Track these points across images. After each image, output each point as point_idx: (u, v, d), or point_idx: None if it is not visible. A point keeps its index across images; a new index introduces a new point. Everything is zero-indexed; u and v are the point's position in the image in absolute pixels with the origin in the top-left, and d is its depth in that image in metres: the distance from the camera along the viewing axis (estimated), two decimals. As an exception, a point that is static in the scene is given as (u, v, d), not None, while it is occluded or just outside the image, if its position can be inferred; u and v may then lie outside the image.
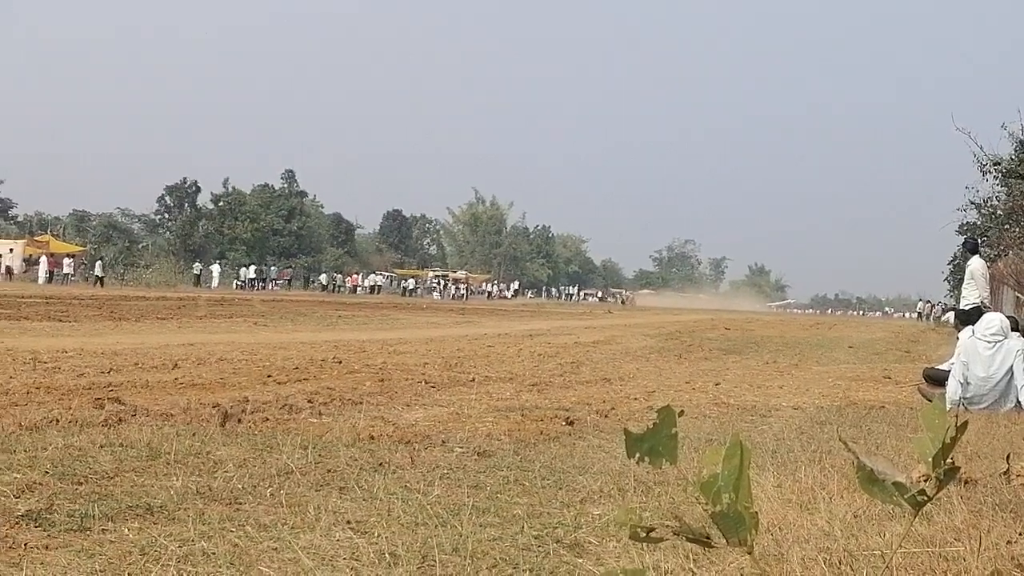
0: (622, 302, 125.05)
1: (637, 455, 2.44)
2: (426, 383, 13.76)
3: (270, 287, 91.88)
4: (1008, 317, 13.85)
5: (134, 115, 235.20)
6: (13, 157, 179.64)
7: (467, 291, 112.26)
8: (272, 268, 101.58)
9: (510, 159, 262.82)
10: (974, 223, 44.18)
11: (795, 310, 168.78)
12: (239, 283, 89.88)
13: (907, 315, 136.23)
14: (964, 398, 12.77)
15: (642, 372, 17.75)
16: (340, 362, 16.53)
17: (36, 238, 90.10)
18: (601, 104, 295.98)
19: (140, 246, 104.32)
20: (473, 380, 14.49)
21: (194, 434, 8.02)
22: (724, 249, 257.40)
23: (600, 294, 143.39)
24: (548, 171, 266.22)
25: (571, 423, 9.89)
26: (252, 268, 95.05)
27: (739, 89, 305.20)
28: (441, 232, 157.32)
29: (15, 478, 5.99)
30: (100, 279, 72.19)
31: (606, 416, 10.80)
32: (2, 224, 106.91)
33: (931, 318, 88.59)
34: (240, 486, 6.09)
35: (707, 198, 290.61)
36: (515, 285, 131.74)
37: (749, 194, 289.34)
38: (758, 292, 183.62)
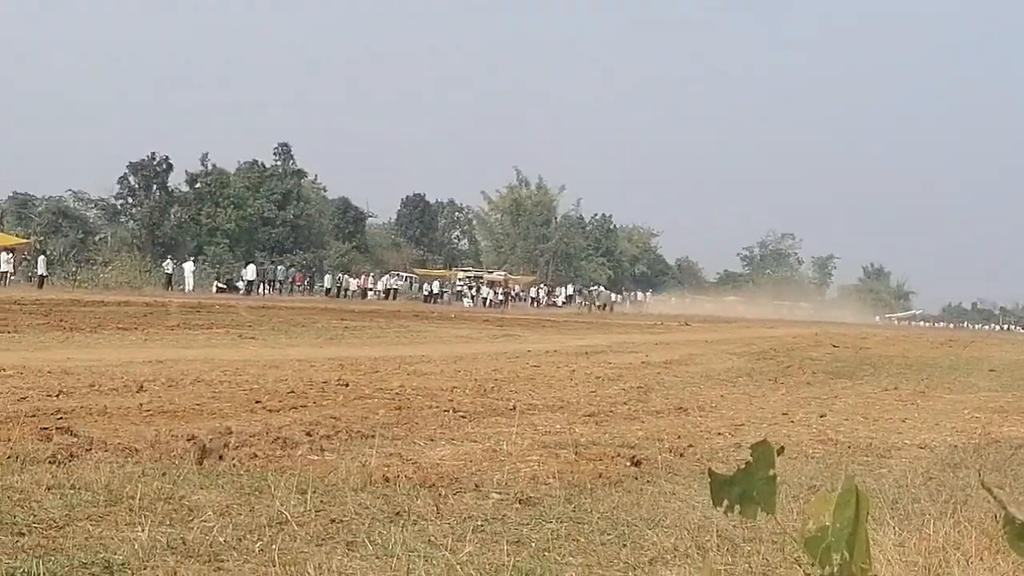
0: (597, 307, 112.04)
1: (725, 503, 2.43)
2: (454, 412, 13.76)
3: (268, 292, 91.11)
4: None
5: (88, 74, 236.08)
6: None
7: (506, 296, 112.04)
8: (279, 268, 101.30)
9: (561, 131, 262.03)
10: None
11: (922, 323, 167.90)
12: (219, 286, 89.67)
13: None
14: None
15: (727, 400, 17.69)
16: (347, 385, 16.55)
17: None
18: (675, 65, 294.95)
19: (97, 238, 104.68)
20: (514, 409, 14.46)
21: (164, 474, 8.05)
22: (832, 246, 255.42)
23: (569, 293, 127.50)
24: (608, 147, 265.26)
25: (637, 463, 9.87)
26: (251, 268, 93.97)
27: (861, 58, 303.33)
28: (474, 222, 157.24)
29: (-61, 528, 6.03)
30: (43, 279, 72.22)
31: (682, 455, 10.78)
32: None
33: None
34: (222, 539, 6.12)
35: (811, 182, 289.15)
36: (568, 289, 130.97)
37: (864, 178, 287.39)
38: (875, 300, 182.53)
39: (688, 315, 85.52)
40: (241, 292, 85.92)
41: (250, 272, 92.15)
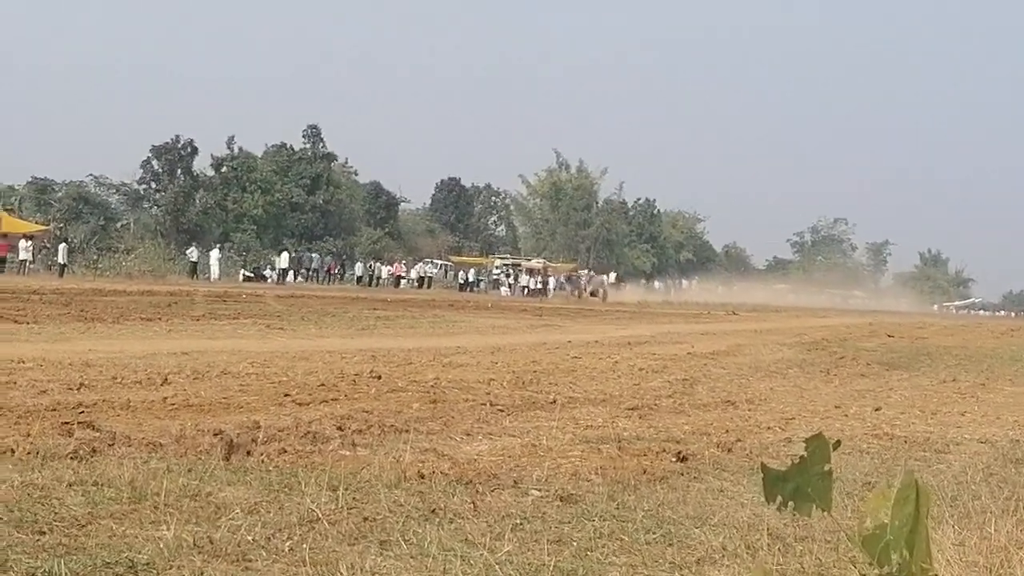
0: (589, 293, 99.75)
1: (778, 499, 2.42)
2: (492, 405, 13.76)
3: (303, 281, 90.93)
4: None
5: (109, 53, 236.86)
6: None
7: (545, 285, 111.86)
8: (313, 256, 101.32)
9: (603, 112, 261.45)
10: None
11: (981, 312, 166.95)
12: (246, 274, 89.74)
13: None
14: None
15: (777, 393, 17.65)
16: (379, 377, 16.58)
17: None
18: (722, 43, 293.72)
19: (119, 225, 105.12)
20: (554, 402, 14.47)
21: (190, 470, 8.08)
22: (887, 231, 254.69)
23: (533, 274, 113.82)
24: (652, 129, 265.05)
25: (683, 459, 9.86)
26: (284, 255, 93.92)
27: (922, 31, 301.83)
28: (512, 208, 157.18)
29: (-42, 526, 6.06)
30: (63, 267, 72.51)
31: (730, 450, 10.75)
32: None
33: None
34: (250, 538, 6.13)
35: (866, 164, 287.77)
36: (610, 277, 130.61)
37: (921, 160, 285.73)
38: (932, 288, 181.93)
39: (735, 304, 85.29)
40: (274, 281, 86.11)
41: (283, 260, 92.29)
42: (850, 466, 9.71)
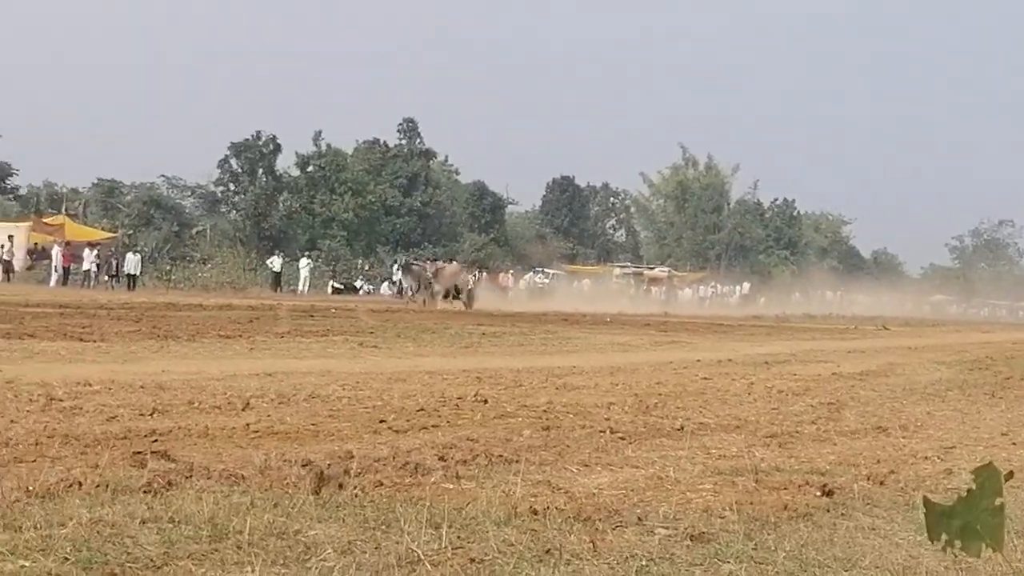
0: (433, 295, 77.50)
1: (944, 537, 2.41)
2: (612, 432, 13.74)
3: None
4: None
5: (181, 43, 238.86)
6: (14, 105, 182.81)
7: (669, 296, 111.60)
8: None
9: (733, 102, 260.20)
10: None
11: None
12: (335, 286, 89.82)
13: None
14: None
15: (935, 418, 17.50)
16: (485, 401, 16.60)
17: (46, 220, 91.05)
18: (864, 32, 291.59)
19: (194, 231, 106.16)
20: (681, 429, 14.45)
21: (276, 505, 8.14)
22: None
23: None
24: (789, 121, 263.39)
25: (829, 493, 9.81)
26: (397, 265, 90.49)
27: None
28: (632, 210, 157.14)
29: (22, 567, 6.14)
30: (133, 279, 73.20)
31: (882, 483, 10.68)
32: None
33: None
34: (344, 581, 6.17)
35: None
36: (743, 287, 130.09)
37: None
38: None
39: (886, 317, 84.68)
40: (392, 294, 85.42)
41: (397, 271, 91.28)
42: (1021, 501, 9.62)
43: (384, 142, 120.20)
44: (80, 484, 8.58)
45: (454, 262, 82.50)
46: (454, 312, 54.35)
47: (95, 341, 25.47)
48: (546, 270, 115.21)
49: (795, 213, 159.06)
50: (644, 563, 6.91)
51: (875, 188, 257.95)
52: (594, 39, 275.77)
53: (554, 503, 8.76)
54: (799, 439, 14.10)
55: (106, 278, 75.52)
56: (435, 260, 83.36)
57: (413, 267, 77.90)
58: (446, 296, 72.76)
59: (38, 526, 7.10)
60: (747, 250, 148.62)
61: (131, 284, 72.53)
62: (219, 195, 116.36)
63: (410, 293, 76.48)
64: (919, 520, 7.73)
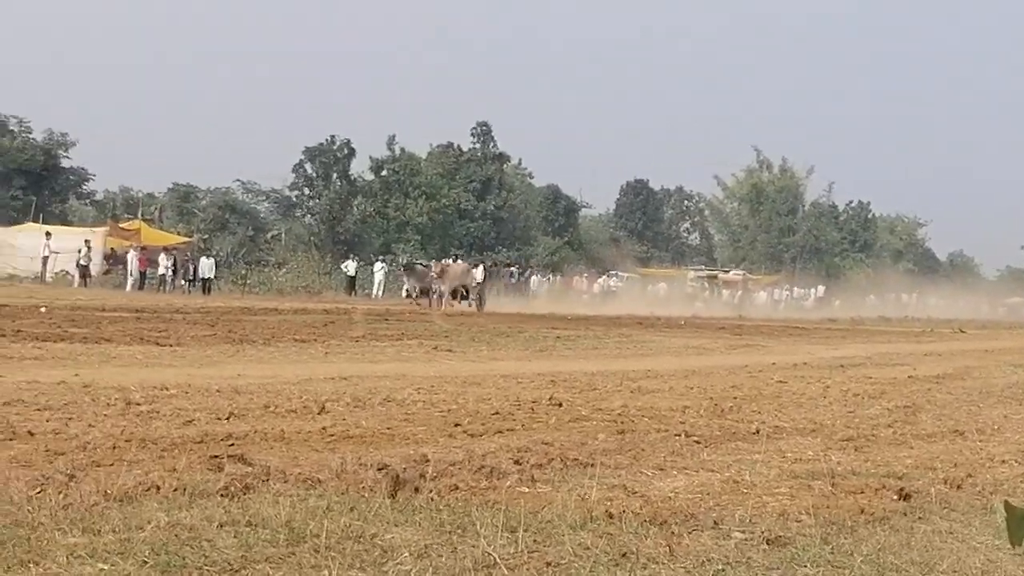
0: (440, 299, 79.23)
1: (1024, 543, 2.40)
2: (687, 436, 13.73)
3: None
4: None
5: (255, 48, 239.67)
6: (90, 110, 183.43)
7: (743, 299, 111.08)
8: (512, 270, 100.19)
9: (807, 104, 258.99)
10: None
11: None
12: (408, 292, 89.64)
13: None
14: None
15: (1012, 421, 17.37)
16: (560, 405, 16.61)
17: (122, 225, 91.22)
18: (937, 28, 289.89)
19: (269, 235, 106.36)
20: (757, 432, 14.41)
21: (352, 508, 8.16)
22: None
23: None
24: (864, 122, 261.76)
25: (906, 497, 9.76)
26: (480, 269, 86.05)
27: None
28: (706, 212, 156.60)
29: (101, 570, 6.18)
30: (208, 283, 73.47)
31: (959, 487, 10.62)
32: (73, 205, 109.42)
33: None
34: (420, 585, 6.18)
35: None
36: (818, 290, 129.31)
37: None
38: None
39: (962, 320, 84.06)
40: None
41: (479, 274, 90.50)
42: (1101, 505, 9.52)
43: (458, 146, 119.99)
44: (158, 488, 8.64)
45: (459, 260, 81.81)
46: (530, 315, 54.21)
47: (171, 345, 25.62)
48: (620, 273, 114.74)
49: (870, 215, 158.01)
50: (720, 567, 6.89)
51: (951, 188, 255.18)
52: (661, 39, 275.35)
53: (630, 507, 8.75)
54: (875, 443, 14.04)
55: (182, 283, 75.68)
56: (453, 258, 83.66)
57: (416, 267, 77.45)
58: (454, 297, 71.87)
59: (116, 530, 7.15)
60: (822, 253, 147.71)
61: (206, 288, 72.77)
62: (294, 199, 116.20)
63: (414, 294, 75.08)
64: (997, 524, 7.71)
